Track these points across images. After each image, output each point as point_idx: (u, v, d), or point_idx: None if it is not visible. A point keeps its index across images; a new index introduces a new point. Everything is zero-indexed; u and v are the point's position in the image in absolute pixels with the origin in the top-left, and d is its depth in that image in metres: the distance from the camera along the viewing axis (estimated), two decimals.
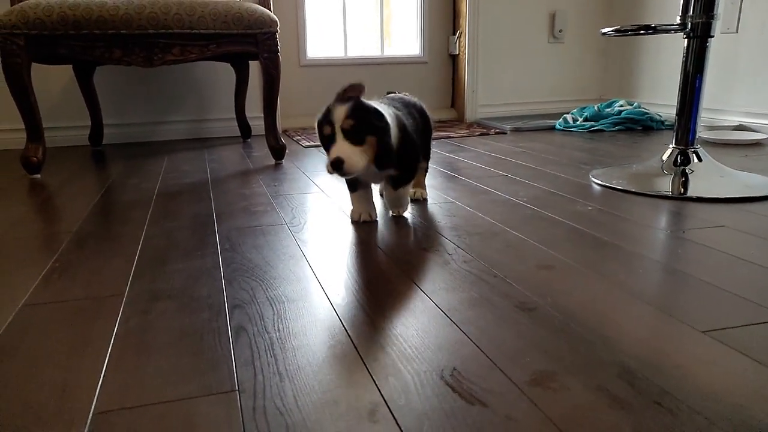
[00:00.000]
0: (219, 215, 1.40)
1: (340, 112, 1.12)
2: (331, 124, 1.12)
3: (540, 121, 2.92)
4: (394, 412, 0.60)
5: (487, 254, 1.07)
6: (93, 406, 0.62)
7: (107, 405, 0.62)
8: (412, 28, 3.23)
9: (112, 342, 0.77)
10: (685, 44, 1.57)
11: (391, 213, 1.36)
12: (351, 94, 1.16)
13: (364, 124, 1.13)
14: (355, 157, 1.12)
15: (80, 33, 1.85)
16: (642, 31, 1.60)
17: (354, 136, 1.12)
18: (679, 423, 0.57)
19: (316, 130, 1.19)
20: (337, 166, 1.11)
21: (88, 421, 0.60)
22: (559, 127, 2.80)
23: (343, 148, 1.12)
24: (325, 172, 1.92)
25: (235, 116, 2.76)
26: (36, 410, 0.62)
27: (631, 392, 0.62)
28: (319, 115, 1.17)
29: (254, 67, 2.73)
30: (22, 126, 1.93)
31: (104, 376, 0.68)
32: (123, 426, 0.59)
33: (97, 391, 0.65)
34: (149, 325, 0.81)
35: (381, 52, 3.18)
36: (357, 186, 1.31)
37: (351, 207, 1.35)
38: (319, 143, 2.49)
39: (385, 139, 1.17)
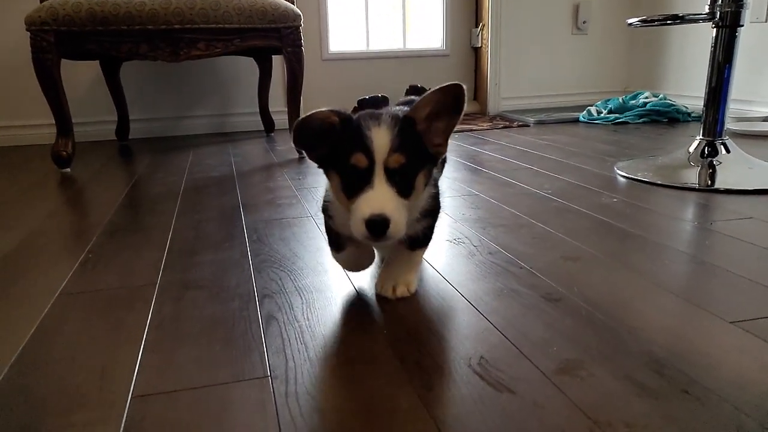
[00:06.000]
0: (245, 208, 1.42)
1: (384, 139, 0.72)
2: (369, 155, 0.72)
3: (564, 113, 2.90)
4: (422, 399, 0.61)
5: (512, 246, 1.07)
6: (131, 390, 0.64)
7: (144, 389, 0.65)
8: (434, 21, 3.22)
9: (146, 329, 0.79)
10: (714, 34, 1.54)
11: (393, 292, 0.87)
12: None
13: (417, 161, 0.75)
14: (403, 215, 0.74)
15: (108, 29, 1.89)
16: (669, 21, 1.58)
17: (401, 181, 0.73)
18: (708, 411, 0.57)
19: (320, 149, 0.77)
20: (377, 229, 0.70)
21: (127, 404, 0.62)
22: (583, 119, 2.77)
23: (387, 198, 0.72)
24: None
25: (258, 111, 2.79)
26: (77, 393, 0.64)
27: (659, 381, 0.62)
28: (332, 117, 0.75)
29: (277, 62, 2.75)
30: (52, 121, 1.97)
31: (140, 361, 0.71)
32: (160, 409, 0.61)
33: (135, 376, 0.67)
34: (182, 314, 0.83)
35: (403, 45, 3.18)
36: (344, 244, 0.88)
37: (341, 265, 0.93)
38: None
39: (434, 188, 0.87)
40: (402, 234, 0.74)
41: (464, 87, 0.73)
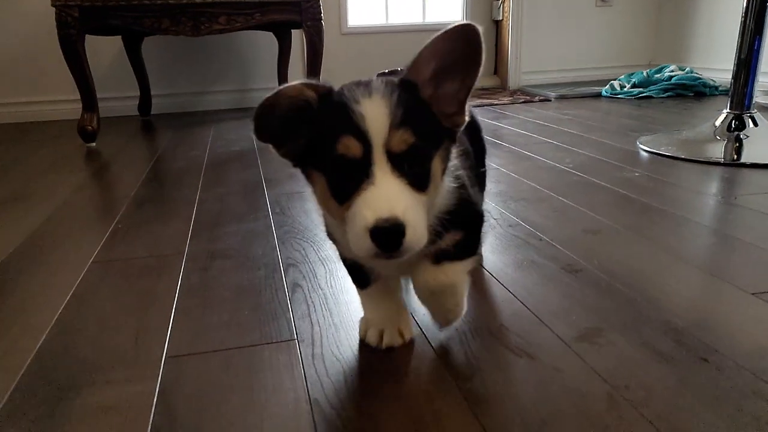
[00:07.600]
0: (267, 181, 1.44)
1: (381, 112, 0.51)
2: (363, 138, 0.51)
3: (586, 88, 2.85)
4: (443, 362, 0.63)
5: (532, 219, 1.08)
6: (165, 351, 0.67)
7: (178, 350, 0.67)
8: None
9: (176, 296, 0.82)
10: (745, 3, 1.50)
11: (435, 323, 0.69)
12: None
13: (430, 138, 0.54)
14: (421, 216, 0.53)
15: (130, 4, 1.90)
16: None
17: (413, 169, 0.52)
18: (726, 377, 0.58)
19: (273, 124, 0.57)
20: (388, 240, 0.50)
21: (162, 363, 0.65)
22: (605, 93, 2.73)
23: (396, 194, 0.51)
24: None
25: (277, 85, 2.79)
26: (114, 353, 0.67)
27: (677, 348, 0.63)
28: (307, 92, 0.55)
29: (296, 37, 2.75)
30: (77, 97, 2.00)
31: (172, 325, 0.73)
32: (194, 368, 0.64)
33: (167, 338, 0.70)
34: (210, 281, 0.86)
35: (423, 19, 3.14)
36: (371, 274, 0.67)
37: (363, 315, 0.70)
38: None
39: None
40: (423, 243, 0.52)
41: (478, 27, 0.53)
